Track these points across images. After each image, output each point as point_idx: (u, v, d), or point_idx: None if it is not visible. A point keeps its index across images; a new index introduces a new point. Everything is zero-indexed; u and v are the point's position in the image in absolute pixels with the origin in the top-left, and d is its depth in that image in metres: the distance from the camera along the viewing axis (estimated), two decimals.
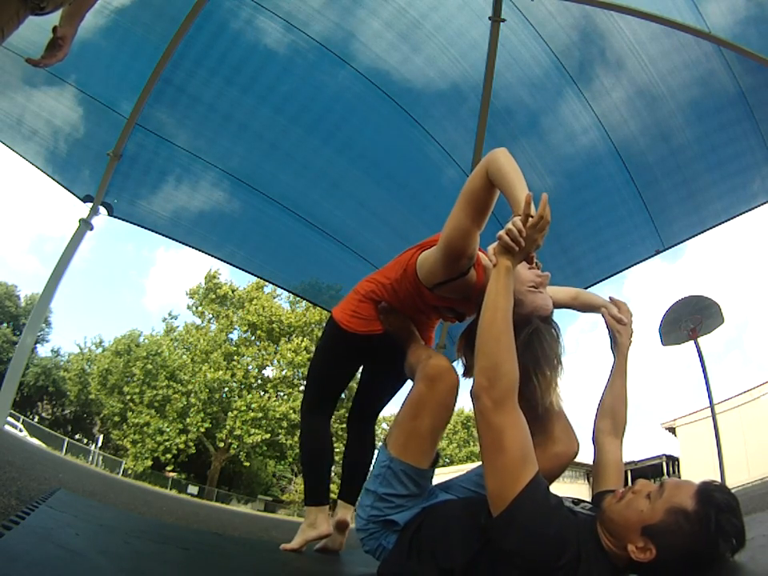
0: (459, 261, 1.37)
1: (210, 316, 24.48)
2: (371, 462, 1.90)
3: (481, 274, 1.45)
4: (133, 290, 61.30)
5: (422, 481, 1.28)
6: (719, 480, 1.33)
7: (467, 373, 1.40)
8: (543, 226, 1.12)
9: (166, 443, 21.21)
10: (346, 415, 2.12)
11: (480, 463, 1.46)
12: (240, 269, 4.04)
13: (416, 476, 1.26)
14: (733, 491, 0.99)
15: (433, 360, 1.35)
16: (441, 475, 1.39)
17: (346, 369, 1.87)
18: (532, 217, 1.11)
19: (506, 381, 1.05)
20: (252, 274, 4.26)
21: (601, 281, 3.75)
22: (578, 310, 1.69)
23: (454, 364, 1.43)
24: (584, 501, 1.19)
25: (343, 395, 2.17)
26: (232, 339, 23.93)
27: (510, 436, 1.02)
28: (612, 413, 1.37)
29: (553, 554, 0.93)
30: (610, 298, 1.55)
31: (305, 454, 1.89)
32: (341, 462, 2.04)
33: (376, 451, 1.74)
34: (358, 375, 2.02)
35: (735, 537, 0.91)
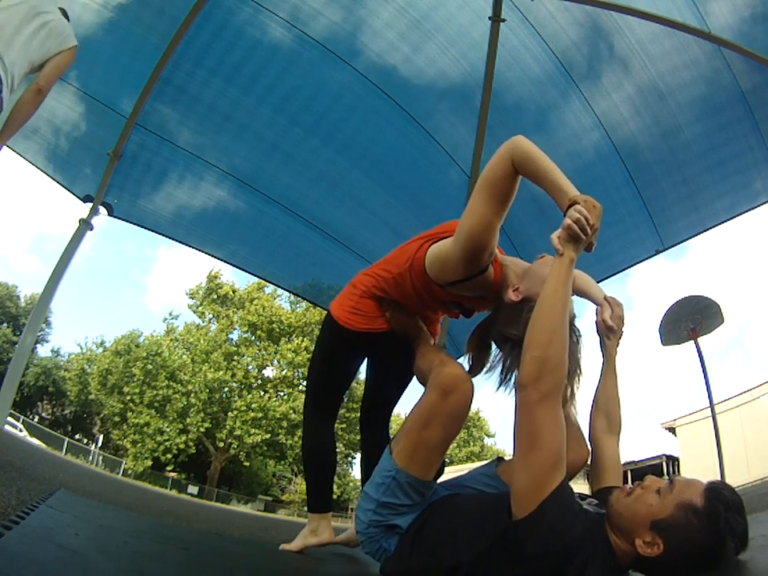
0: (481, 257, 1.28)
1: (211, 316, 24.49)
2: None
3: (498, 271, 1.37)
4: (134, 288, 61.55)
5: (426, 491, 1.26)
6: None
7: (472, 371, 1.35)
8: (599, 211, 1.09)
9: (166, 443, 21.22)
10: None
11: (485, 462, 1.46)
12: (240, 269, 4.03)
13: (421, 487, 1.24)
14: None
15: (447, 368, 1.27)
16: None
17: (347, 367, 1.80)
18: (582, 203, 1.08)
19: (556, 375, 1.02)
20: (252, 274, 4.26)
21: (601, 281, 3.73)
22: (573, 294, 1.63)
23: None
24: (589, 496, 1.19)
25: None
26: (232, 339, 23.96)
27: (548, 433, 0.99)
28: (606, 411, 1.37)
29: (568, 558, 0.94)
30: (605, 297, 1.48)
31: (308, 460, 1.80)
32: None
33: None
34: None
35: (741, 536, 0.91)
